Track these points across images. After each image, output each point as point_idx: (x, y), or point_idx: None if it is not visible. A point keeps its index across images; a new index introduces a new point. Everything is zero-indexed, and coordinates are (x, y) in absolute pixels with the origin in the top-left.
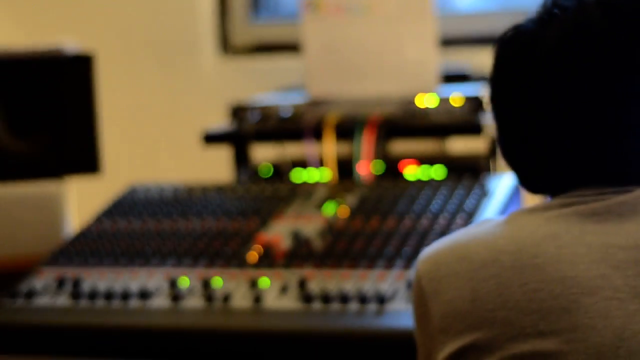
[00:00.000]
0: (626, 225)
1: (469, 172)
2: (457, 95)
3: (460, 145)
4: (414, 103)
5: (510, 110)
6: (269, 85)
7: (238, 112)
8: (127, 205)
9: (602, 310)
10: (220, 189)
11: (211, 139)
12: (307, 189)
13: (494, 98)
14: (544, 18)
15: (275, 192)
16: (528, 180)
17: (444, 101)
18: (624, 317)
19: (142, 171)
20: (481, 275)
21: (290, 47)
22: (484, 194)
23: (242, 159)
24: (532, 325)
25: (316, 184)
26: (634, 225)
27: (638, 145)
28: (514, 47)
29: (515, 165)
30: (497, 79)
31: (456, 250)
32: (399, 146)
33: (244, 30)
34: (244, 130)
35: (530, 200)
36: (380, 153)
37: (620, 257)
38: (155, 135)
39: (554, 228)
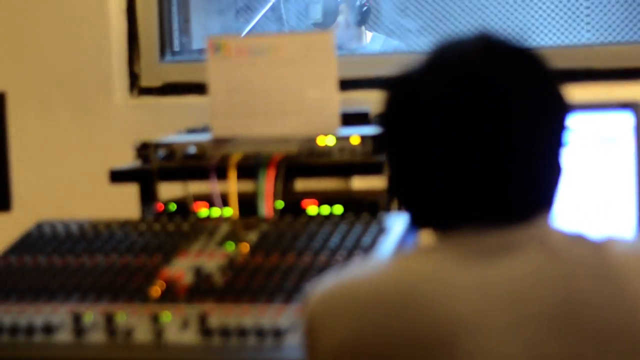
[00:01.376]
0: (505, 263)
1: (369, 210)
2: (357, 135)
3: (363, 183)
4: (315, 142)
5: (397, 150)
6: (179, 124)
7: (144, 150)
8: (33, 242)
9: (481, 346)
10: (124, 226)
11: (117, 176)
12: (211, 225)
13: (383, 139)
14: (431, 63)
15: (179, 228)
16: (416, 217)
17: (345, 140)
18: (501, 352)
19: (53, 208)
20: (365, 313)
21: (201, 86)
22: (381, 230)
23: (147, 196)
24: None
25: (219, 221)
26: (512, 264)
27: (519, 186)
28: (402, 91)
29: (404, 202)
30: (386, 121)
31: (343, 288)
32: (302, 184)
33: (154, 70)
34: (150, 168)
35: (425, 237)
36: (283, 191)
37: (498, 294)
38: (66, 172)
39: (435, 266)
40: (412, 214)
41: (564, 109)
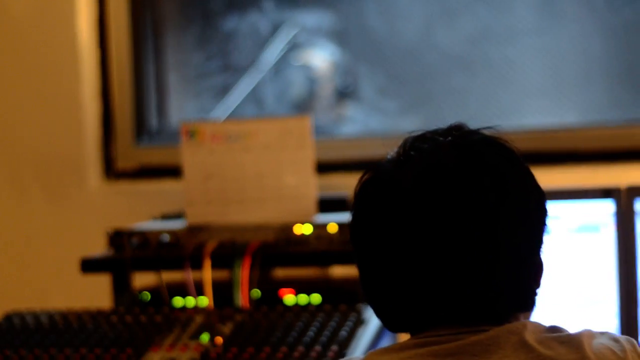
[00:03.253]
0: None
1: (348, 299)
2: (334, 223)
3: (342, 270)
4: (292, 230)
5: (368, 249)
6: (154, 209)
7: (117, 238)
8: (0, 334)
9: None
10: (96, 317)
11: (89, 266)
12: (185, 316)
13: (353, 238)
14: (401, 158)
15: (152, 320)
16: (387, 319)
17: (322, 228)
18: None
19: (25, 297)
20: None
21: (177, 169)
22: (359, 322)
23: (120, 286)
24: None
25: (194, 312)
26: None
27: (492, 286)
28: (372, 188)
29: (374, 303)
30: (357, 219)
31: None
32: (279, 272)
33: (129, 153)
34: (122, 257)
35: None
36: (259, 280)
37: None
38: (39, 260)
39: None
40: (382, 318)
41: (541, 201)
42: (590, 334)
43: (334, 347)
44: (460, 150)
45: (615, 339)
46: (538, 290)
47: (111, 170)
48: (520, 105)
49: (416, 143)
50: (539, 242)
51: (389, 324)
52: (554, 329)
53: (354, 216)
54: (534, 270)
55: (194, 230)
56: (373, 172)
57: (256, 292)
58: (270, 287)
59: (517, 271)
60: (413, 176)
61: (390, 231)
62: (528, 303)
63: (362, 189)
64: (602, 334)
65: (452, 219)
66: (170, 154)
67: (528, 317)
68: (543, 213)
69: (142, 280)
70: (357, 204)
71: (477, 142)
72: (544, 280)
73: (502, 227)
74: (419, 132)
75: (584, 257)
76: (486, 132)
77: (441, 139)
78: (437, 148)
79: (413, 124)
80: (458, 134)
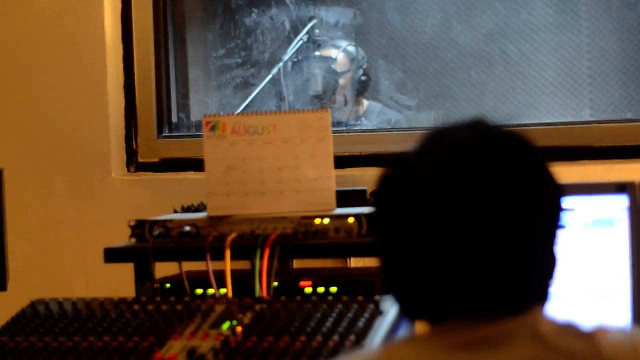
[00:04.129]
0: (496, 355)
1: (365, 290)
2: (353, 215)
3: (360, 261)
4: (311, 222)
5: (388, 239)
6: (176, 200)
7: (139, 229)
8: (26, 322)
9: None
10: (118, 305)
11: (112, 255)
12: (205, 306)
13: (376, 230)
14: (424, 150)
15: (173, 308)
16: (408, 307)
17: (341, 220)
18: None
19: (49, 285)
20: None
21: (198, 162)
22: (376, 313)
23: (143, 275)
24: None
25: (214, 301)
26: (503, 355)
27: (511, 277)
28: (395, 181)
29: (395, 291)
30: (380, 211)
31: None
32: (298, 263)
33: (152, 146)
34: (144, 247)
35: (420, 324)
36: (278, 270)
37: None
38: (63, 249)
39: (427, 356)
40: (403, 305)
41: (557, 196)
42: (604, 329)
43: (352, 338)
44: (481, 146)
45: (629, 333)
46: (552, 283)
47: (134, 162)
48: (536, 101)
49: (438, 136)
50: (554, 236)
51: (409, 311)
52: (568, 325)
53: (376, 209)
54: (549, 264)
55: (214, 221)
56: (395, 166)
57: (276, 282)
58: (289, 278)
59: (532, 264)
60: (436, 170)
61: (412, 225)
62: (543, 295)
63: (384, 183)
64: (616, 329)
65: (472, 214)
66: (191, 146)
67: (543, 309)
68: (559, 208)
69: (164, 270)
70: (380, 197)
71: (497, 138)
72: (558, 273)
73: (519, 221)
74: (440, 127)
75: (598, 251)
76: (506, 127)
77: (462, 134)
78: (459, 142)
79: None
80: (478, 129)
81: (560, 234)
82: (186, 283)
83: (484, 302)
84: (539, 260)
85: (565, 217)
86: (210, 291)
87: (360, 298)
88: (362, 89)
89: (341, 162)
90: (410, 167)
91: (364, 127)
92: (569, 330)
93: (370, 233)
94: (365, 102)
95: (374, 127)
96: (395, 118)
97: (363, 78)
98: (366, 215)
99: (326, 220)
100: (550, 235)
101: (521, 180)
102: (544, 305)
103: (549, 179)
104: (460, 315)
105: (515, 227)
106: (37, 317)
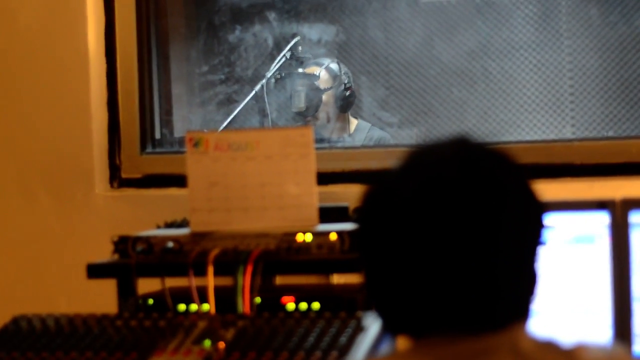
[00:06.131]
0: None
1: (347, 307)
2: (335, 231)
3: (342, 278)
4: (293, 238)
5: (374, 256)
6: (159, 216)
7: (122, 244)
8: (8, 338)
9: None
10: (101, 321)
11: (95, 271)
12: (188, 322)
13: (360, 245)
14: (407, 167)
15: (156, 325)
16: (390, 322)
17: (323, 237)
18: None
19: (32, 301)
20: None
21: (181, 178)
22: (359, 329)
23: (126, 291)
24: None
25: (197, 317)
26: None
27: (493, 293)
28: (378, 198)
29: (378, 306)
30: (363, 227)
31: None
32: (280, 280)
33: (135, 161)
34: (127, 263)
35: (401, 339)
36: (261, 287)
37: None
38: (46, 265)
39: None
40: (385, 320)
41: (539, 213)
42: (584, 346)
43: (334, 354)
44: (462, 163)
45: (608, 350)
46: (534, 300)
47: (117, 178)
48: (518, 119)
49: (421, 153)
50: (535, 253)
51: (391, 326)
52: (547, 342)
53: (360, 225)
54: (530, 280)
55: (197, 237)
56: (378, 183)
57: (258, 299)
58: (271, 294)
59: (514, 281)
60: (416, 186)
61: (394, 241)
62: (524, 312)
63: (368, 200)
64: (596, 345)
65: (453, 231)
66: (174, 162)
67: (524, 326)
68: (541, 225)
69: (147, 286)
70: (363, 214)
71: (479, 155)
72: (540, 290)
73: (501, 238)
74: (422, 144)
75: (579, 268)
76: (488, 145)
77: (444, 151)
78: (439, 159)
79: (413, 135)
80: (460, 147)
81: (542, 251)
82: (169, 299)
83: (465, 318)
84: (521, 277)
85: (546, 234)
86: (193, 307)
87: (342, 314)
88: (346, 105)
89: (324, 178)
90: (393, 184)
91: (346, 145)
92: (549, 347)
93: (353, 249)
94: (354, 121)
95: (356, 144)
96: (382, 136)
97: (347, 94)
98: (348, 232)
99: (309, 237)
100: (531, 251)
101: (503, 197)
102: (525, 322)
103: (531, 196)
104: (441, 331)
105: (497, 244)
106: (19, 333)
